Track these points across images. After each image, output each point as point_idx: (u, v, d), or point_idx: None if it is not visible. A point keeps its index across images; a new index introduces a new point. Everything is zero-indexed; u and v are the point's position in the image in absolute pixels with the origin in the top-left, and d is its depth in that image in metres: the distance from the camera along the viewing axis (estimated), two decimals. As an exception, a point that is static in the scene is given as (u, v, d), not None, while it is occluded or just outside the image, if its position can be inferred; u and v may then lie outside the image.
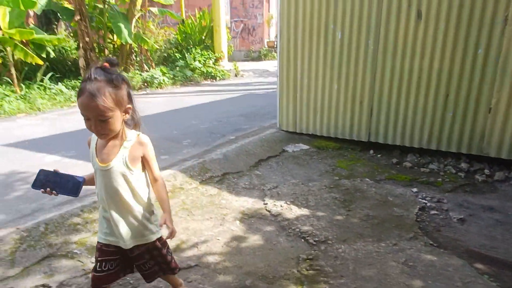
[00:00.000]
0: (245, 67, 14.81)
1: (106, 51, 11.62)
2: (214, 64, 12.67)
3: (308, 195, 3.62)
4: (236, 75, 13.03)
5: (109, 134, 1.62)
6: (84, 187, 1.74)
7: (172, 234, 1.82)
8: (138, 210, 1.78)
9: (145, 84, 10.68)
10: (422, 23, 4.20)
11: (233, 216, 3.24)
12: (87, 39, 10.04)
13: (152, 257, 1.89)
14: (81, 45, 9.97)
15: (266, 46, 18.65)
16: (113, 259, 1.85)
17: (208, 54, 12.72)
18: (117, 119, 1.60)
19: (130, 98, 1.65)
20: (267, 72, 13.94)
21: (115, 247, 1.81)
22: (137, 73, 10.82)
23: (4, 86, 8.24)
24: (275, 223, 3.12)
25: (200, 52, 12.65)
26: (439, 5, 4.09)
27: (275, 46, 18.37)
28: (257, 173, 4.23)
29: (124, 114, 1.64)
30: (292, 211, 3.29)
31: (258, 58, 18.03)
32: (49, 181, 1.70)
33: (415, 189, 3.74)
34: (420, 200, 3.51)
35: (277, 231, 3.00)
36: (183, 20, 13.78)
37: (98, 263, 1.82)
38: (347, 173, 4.19)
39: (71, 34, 11.75)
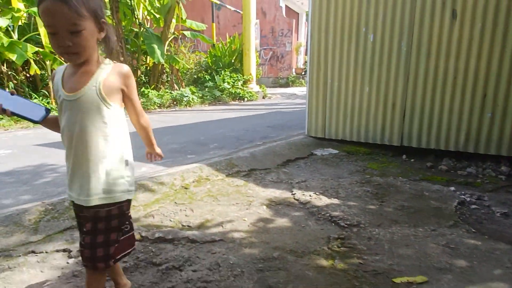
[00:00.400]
0: (273, 91, 14.94)
1: (139, 72, 12.05)
2: (243, 86, 12.84)
3: (338, 188, 3.47)
4: (263, 97, 13.14)
5: (81, 54, 1.33)
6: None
7: (159, 154, 1.76)
8: (110, 156, 1.43)
9: (175, 102, 10.91)
10: (457, 22, 4.11)
11: (259, 202, 3.12)
12: (122, 58, 10.45)
13: (93, 231, 1.44)
14: (115, 63, 10.39)
15: (294, 73, 18.84)
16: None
17: (237, 76, 12.93)
18: (91, 34, 1.32)
19: (103, 14, 1.38)
20: (294, 95, 13.99)
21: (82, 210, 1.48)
22: (167, 92, 11.08)
23: (41, 98, 8.59)
24: (304, 210, 2.97)
25: (229, 74, 12.88)
26: (475, 3, 4.00)
27: (303, 73, 18.54)
28: (285, 171, 4.11)
29: (98, 31, 1.36)
30: (322, 200, 3.14)
31: (286, 85, 18.18)
32: (4, 98, 1.38)
33: (452, 188, 3.52)
34: (459, 195, 3.29)
35: (305, 215, 2.86)
36: (213, 44, 14.17)
37: (78, 226, 1.60)
38: (379, 173, 4.01)
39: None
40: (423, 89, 4.42)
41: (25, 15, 8.25)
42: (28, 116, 1.39)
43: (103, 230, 1.46)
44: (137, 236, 2.44)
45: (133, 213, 2.83)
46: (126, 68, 1.44)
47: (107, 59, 1.44)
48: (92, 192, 1.42)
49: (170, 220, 2.74)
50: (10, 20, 7.78)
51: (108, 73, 1.40)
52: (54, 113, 1.53)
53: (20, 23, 8.21)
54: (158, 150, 1.77)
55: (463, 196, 3.27)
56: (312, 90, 5.23)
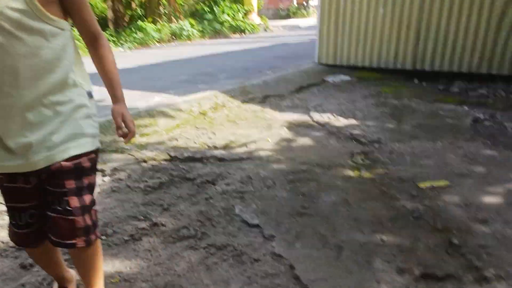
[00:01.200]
0: (274, 23, 14.47)
1: (133, 4, 11.58)
2: (243, 18, 12.43)
3: (355, 110, 3.52)
4: (265, 30, 12.78)
5: None
6: None
7: (130, 134, 1.10)
8: (62, 91, 0.98)
9: (174, 36, 10.62)
10: None
11: (279, 124, 3.19)
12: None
13: (78, 190, 1.04)
14: (110, -4, 9.97)
15: (295, 4, 18.13)
16: (33, 206, 1.07)
17: (237, 8, 12.46)
18: None
19: None
20: (297, 27, 13.59)
21: (25, 180, 1.02)
22: (166, 25, 10.74)
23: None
24: (323, 130, 3.05)
25: (228, 5, 12.41)
26: None
27: (304, 3, 17.84)
28: (299, 97, 4.13)
29: None
30: (340, 121, 3.21)
31: (287, 16, 17.58)
32: None
33: (466, 107, 3.57)
34: (473, 113, 3.35)
35: (326, 135, 2.93)
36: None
37: (11, 214, 1.09)
38: (393, 96, 4.03)
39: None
40: (440, 8, 4.29)
41: None
42: None
43: (87, 187, 1.07)
44: (166, 156, 2.53)
45: (156, 137, 2.91)
46: None
47: None
48: (56, 141, 0.99)
49: (195, 142, 2.81)
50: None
51: None
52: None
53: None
54: (131, 124, 1.10)
55: (477, 114, 3.33)
56: (323, 16, 5.08)
